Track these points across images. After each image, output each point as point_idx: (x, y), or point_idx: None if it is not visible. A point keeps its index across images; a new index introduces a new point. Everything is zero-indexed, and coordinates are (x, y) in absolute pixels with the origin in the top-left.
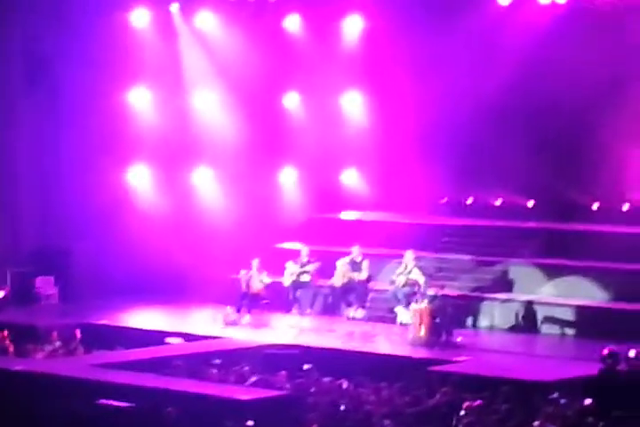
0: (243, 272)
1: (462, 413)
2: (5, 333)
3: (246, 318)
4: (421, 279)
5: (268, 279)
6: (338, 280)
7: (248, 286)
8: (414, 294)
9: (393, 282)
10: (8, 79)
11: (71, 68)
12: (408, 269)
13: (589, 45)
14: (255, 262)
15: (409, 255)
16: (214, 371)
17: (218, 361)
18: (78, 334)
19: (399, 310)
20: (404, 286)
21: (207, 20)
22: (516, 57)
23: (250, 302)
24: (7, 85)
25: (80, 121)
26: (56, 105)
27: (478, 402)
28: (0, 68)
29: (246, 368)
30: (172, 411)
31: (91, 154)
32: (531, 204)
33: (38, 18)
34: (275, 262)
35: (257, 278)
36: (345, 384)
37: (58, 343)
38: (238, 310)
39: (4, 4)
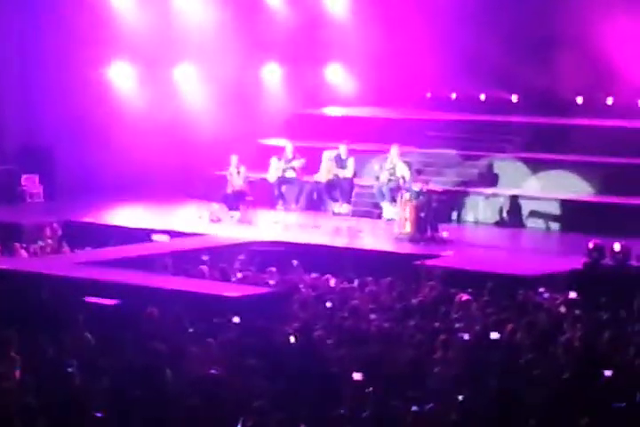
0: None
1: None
2: None
3: (232, 214)
4: (406, 174)
5: (249, 175)
6: (323, 176)
7: (231, 183)
8: (399, 189)
9: (378, 178)
10: None
11: None
12: (393, 164)
13: None
14: (234, 159)
15: (394, 151)
16: (202, 268)
17: (206, 258)
18: (59, 231)
19: (384, 205)
20: (388, 181)
21: None
22: None
23: (234, 199)
24: None
25: (60, 18)
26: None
27: (466, 297)
28: None
29: (233, 265)
30: (157, 308)
31: (71, 52)
32: (515, 98)
33: None
34: (259, 159)
35: (238, 175)
36: (331, 280)
37: (42, 242)
38: (224, 208)
39: None
